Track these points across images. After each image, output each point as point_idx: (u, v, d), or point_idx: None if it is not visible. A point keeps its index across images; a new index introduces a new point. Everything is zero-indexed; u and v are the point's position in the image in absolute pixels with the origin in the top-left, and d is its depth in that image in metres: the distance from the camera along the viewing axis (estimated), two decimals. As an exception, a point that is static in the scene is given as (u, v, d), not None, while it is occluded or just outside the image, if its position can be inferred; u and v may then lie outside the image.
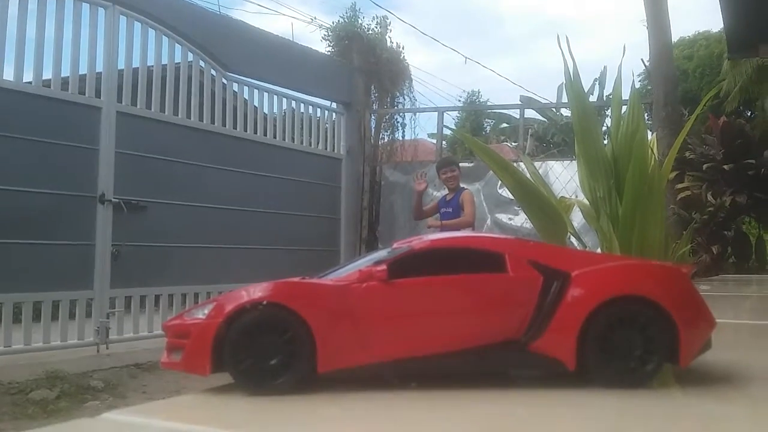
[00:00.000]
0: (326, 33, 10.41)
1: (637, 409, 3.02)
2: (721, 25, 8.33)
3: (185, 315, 3.65)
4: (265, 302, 3.31)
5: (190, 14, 7.56)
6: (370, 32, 10.41)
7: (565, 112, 19.60)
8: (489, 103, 30.69)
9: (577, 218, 6.19)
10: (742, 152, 15.81)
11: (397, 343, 3.36)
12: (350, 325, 3.34)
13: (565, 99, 5.61)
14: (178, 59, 7.22)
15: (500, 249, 3.62)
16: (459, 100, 27.32)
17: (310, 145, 9.17)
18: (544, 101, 23.52)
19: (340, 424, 2.94)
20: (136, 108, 6.67)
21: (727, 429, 2.84)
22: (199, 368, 3.37)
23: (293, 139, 8.85)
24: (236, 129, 7.91)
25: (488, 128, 29.02)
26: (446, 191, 6.63)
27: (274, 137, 8.52)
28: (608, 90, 19.30)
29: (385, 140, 10.66)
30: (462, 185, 6.62)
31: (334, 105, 9.81)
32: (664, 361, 3.34)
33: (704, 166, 16.03)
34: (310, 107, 9.29)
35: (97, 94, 6.30)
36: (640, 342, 3.29)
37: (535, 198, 5.11)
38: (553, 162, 9.28)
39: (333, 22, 10.53)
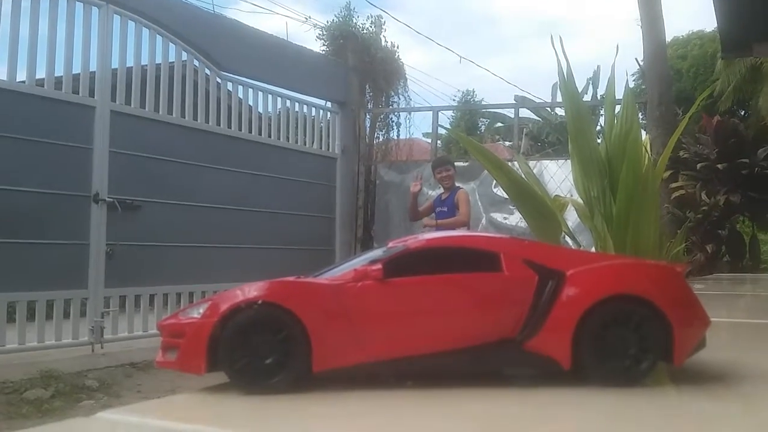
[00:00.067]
0: (321, 32, 10.42)
1: (632, 407, 3.02)
2: (715, 25, 8.35)
3: (180, 314, 3.64)
4: (260, 301, 3.31)
5: (184, 13, 7.55)
6: (365, 31, 10.42)
7: (560, 111, 19.60)
8: (484, 103, 30.79)
9: (571, 217, 6.21)
10: (736, 151, 15.86)
11: (393, 343, 3.36)
12: (345, 325, 3.34)
13: (559, 98, 5.62)
14: (172, 58, 7.22)
15: (495, 248, 3.62)
16: (454, 100, 27.39)
17: (305, 144, 9.17)
18: (538, 101, 23.63)
19: (336, 423, 2.94)
20: (130, 107, 6.66)
21: (721, 427, 2.84)
22: (194, 367, 3.36)
23: (288, 138, 8.84)
24: (231, 128, 7.91)
25: (483, 127, 29.06)
26: (441, 190, 6.64)
27: (269, 136, 8.52)
28: (602, 90, 19.32)
29: (380, 139, 10.68)
30: (457, 184, 6.63)
31: (328, 104, 9.81)
32: (659, 359, 3.34)
33: (698, 166, 16.08)
34: (305, 106, 9.29)
35: (91, 94, 6.29)
36: (634, 341, 3.29)
37: (529, 197, 5.12)
38: (548, 161, 9.31)
39: (327, 22, 10.55)
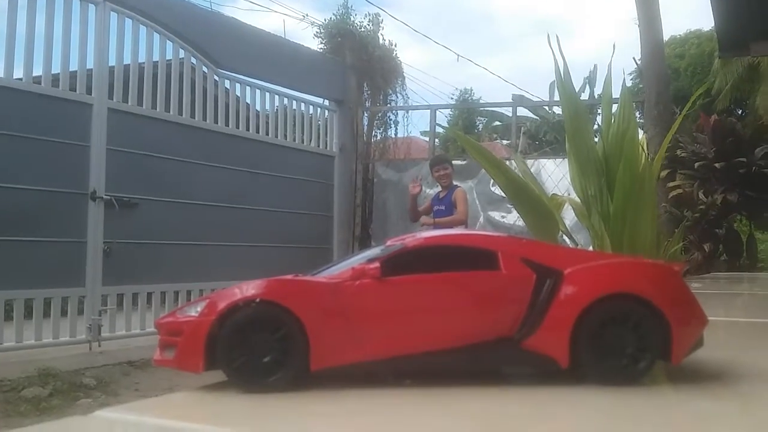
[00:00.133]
0: (318, 30, 10.43)
1: (630, 406, 3.02)
2: (713, 24, 8.36)
3: (178, 312, 3.64)
4: (258, 300, 3.31)
5: (181, 11, 7.54)
6: (363, 29, 10.42)
7: (558, 110, 19.62)
8: (481, 101, 30.78)
9: (569, 216, 6.22)
10: (734, 150, 15.86)
11: (391, 341, 3.36)
12: (343, 323, 3.34)
13: (557, 97, 5.63)
14: (169, 56, 7.21)
15: (493, 246, 3.62)
16: (451, 98, 27.36)
17: (303, 142, 9.16)
18: (536, 99, 23.62)
19: (334, 421, 2.93)
20: (127, 105, 6.65)
21: (719, 426, 2.85)
22: (191, 366, 3.36)
23: (285, 136, 8.83)
24: (228, 126, 7.89)
25: (481, 126, 29.06)
26: (439, 189, 6.64)
27: (267, 134, 8.51)
28: (599, 89, 19.33)
29: (378, 138, 10.68)
30: (455, 183, 6.63)
31: (326, 102, 9.81)
32: (657, 358, 3.34)
33: (696, 165, 16.07)
34: (303, 104, 9.29)
35: (88, 91, 6.29)
36: (632, 339, 3.29)
37: (526, 196, 5.13)
38: (546, 160, 9.31)
39: (325, 20, 10.57)
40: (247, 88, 8.31)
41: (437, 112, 11.04)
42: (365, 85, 10.41)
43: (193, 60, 7.56)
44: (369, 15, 10.70)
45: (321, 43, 10.34)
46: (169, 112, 7.13)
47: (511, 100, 18.37)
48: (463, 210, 6.26)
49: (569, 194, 6.22)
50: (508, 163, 5.90)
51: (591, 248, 5.20)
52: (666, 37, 16.72)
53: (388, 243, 3.75)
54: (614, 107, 5.32)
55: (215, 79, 7.85)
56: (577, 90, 6.08)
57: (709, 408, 3.06)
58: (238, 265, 7.29)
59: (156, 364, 3.70)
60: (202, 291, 7.01)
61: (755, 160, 15.88)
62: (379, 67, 10.45)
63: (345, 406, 3.13)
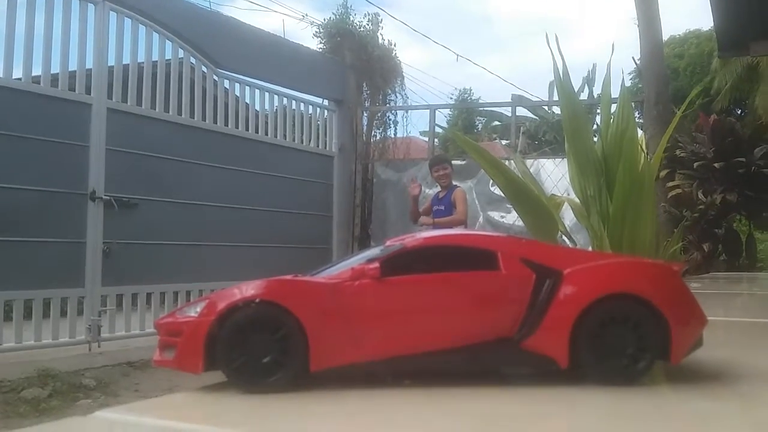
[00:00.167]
0: (318, 30, 10.42)
1: (629, 405, 3.03)
2: (712, 24, 8.36)
3: (177, 313, 3.64)
4: (257, 300, 3.31)
5: (180, 11, 7.53)
6: (362, 29, 10.41)
7: (557, 110, 19.62)
8: (481, 101, 30.79)
9: (568, 216, 6.22)
10: (733, 150, 15.88)
11: (390, 341, 3.36)
12: (343, 323, 3.34)
13: (556, 97, 5.63)
14: (168, 56, 7.20)
15: (493, 247, 3.63)
16: (451, 98, 27.37)
17: (302, 142, 9.16)
18: (535, 99, 23.63)
19: (333, 421, 2.94)
20: (126, 105, 6.64)
21: (718, 425, 2.85)
22: (191, 366, 3.36)
23: (285, 136, 8.83)
24: (228, 126, 7.88)
25: (480, 126, 29.07)
26: (439, 189, 6.64)
27: (266, 134, 8.50)
28: (598, 88, 19.37)
29: (377, 138, 10.67)
30: (454, 183, 6.62)
31: (325, 102, 9.80)
32: (656, 358, 3.35)
33: (695, 165, 16.09)
34: (302, 104, 9.28)
35: (88, 91, 6.27)
36: (632, 339, 3.30)
37: (525, 196, 5.13)
38: (545, 160, 9.31)
39: (324, 19, 10.56)
40: (247, 88, 8.30)
41: (437, 112, 11.03)
42: (364, 85, 10.41)
43: (193, 60, 7.55)
44: (368, 15, 10.71)
45: (320, 42, 10.34)
46: (168, 112, 7.13)
47: (510, 100, 18.38)
48: (462, 210, 6.26)
49: (569, 194, 6.22)
50: (507, 163, 5.89)
51: (590, 248, 5.20)
52: (665, 37, 16.74)
53: (388, 243, 3.76)
54: (613, 107, 5.32)
55: (214, 79, 7.84)
56: (576, 90, 6.08)
57: (709, 408, 3.06)
58: (237, 265, 7.29)
59: (156, 365, 3.70)
60: (201, 291, 7.00)
61: (754, 160, 15.90)
62: (379, 67, 10.45)
63: (344, 407, 3.13)
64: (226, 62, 7.90)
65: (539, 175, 8.48)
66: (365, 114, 10.41)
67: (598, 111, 6.61)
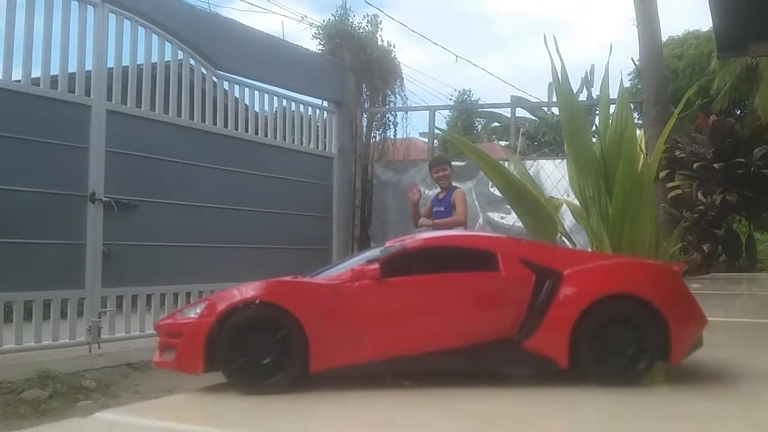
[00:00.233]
0: (317, 31, 10.42)
1: (629, 406, 3.03)
2: (711, 24, 8.36)
3: (177, 314, 3.64)
4: (257, 301, 3.31)
5: (180, 12, 7.54)
6: (361, 30, 10.42)
7: (556, 110, 19.63)
8: (480, 102, 30.81)
9: (568, 217, 6.21)
10: (732, 151, 15.89)
11: (390, 342, 3.36)
12: (343, 324, 3.34)
13: (555, 98, 5.62)
14: (168, 57, 7.21)
15: (492, 248, 3.63)
16: (450, 99, 27.38)
17: (302, 143, 9.17)
18: (534, 100, 23.65)
19: (334, 423, 2.94)
20: (126, 106, 6.65)
21: (718, 426, 2.85)
22: (191, 367, 3.36)
23: (284, 137, 8.84)
24: (227, 127, 7.89)
25: (479, 127, 29.08)
26: (438, 190, 6.64)
27: (266, 136, 8.51)
28: (596, 89, 19.35)
29: (377, 139, 10.67)
30: (454, 184, 6.63)
31: (325, 103, 9.80)
32: (656, 359, 3.35)
33: (695, 165, 16.09)
34: (302, 106, 9.29)
35: (87, 93, 6.29)
36: (631, 340, 3.30)
37: (524, 198, 5.12)
38: (545, 161, 9.31)
39: (324, 21, 10.56)
40: (246, 89, 8.31)
41: (436, 113, 11.03)
42: (364, 86, 10.41)
43: (192, 61, 7.56)
44: (367, 16, 10.71)
45: (319, 44, 10.34)
46: (167, 113, 7.13)
47: (509, 101, 18.38)
48: (462, 211, 6.27)
49: (568, 195, 6.22)
50: (506, 164, 5.89)
51: (590, 249, 5.19)
52: (664, 38, 16.77)
53: (388, 244, 3.75)
54: (612, 108, 5.32)
55: (214, 81, 7.85)
56: (575, 91, 6.08)
57: (709, 408, 3.06)
58: (237, 266, 7.30)
59: (156, 366, 3.70)
60: (201, 293, 7.01)
61: (754, 161, 15.91)
62: (378, 68, 10.45)
63: (345, 408, 3.13)
64: (225, 64, 7.91)
65: (539, 176, 8.49)
66: (365, 115, 10.42)
67: (597, 112, 6.61)
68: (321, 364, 3.29)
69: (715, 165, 15.83)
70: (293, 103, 9.11)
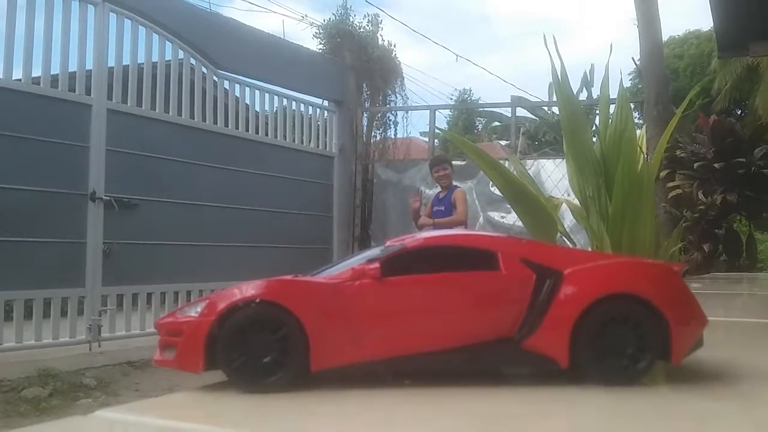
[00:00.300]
0: (317, 31, 10.44)
1: (629, 406, 3.03)
2: (712, 24, 8.36)
3: (177, 313, 3.64)
4: (257, 300, 3.31)
5: (180, 12, 7.54)
6: (362, 30, 10.42)
7: (557, 110, 19.63)
8: (480, 102, 30.81)
9: (568, 217, 6.21)
10: (733, 151, 15.89)
11: (391, 341, 3.36)
12: (343, 323, 3.34)
13: (555, 97, 5.62)
14: (168, 57, 7.21)
15: (493, 247, 3.63)
16: (451, 99, 27.38)
17: (302, 143, 9.17)
18: (535, 99, 23.63)
19: (334, 421, 2.94)
20: (126, 105, 6.65)
21: (719, 426, 2.85)
22: (191, 366, 3.36)
23: (285, 136, 8.84)
24: (227, 127, 7.89)
25: (480, 127, 29.08)
26: (439, 189, 6.64)
27: (266, 135, 8.51)
28: (596, 89, 19.33)
29: (377, 138, 10.68)
30: (454, 183, 6.63)
31: (325, 103, 9.80)
32: (656, 358, 3.35)
33: (695, 165, 16.10)
34: (302, 105, 9.29)
35: (87, 92, 6.29)
36: (632, 339, 3.30)
37: (524, 197, 5.12)
38: (545, 160, 9.31)
39: (324, 20, 10.57)
40: (247, 88, 8.31)
41: (437, 112, 11.04)
42: (364, 85, 10.41)
43: (192, 61, 7.56)
44: (368, 15, 10.74)
45: (320, 43, 10.35)
46: (168, 112, 7.13)
47: (510, 101, 18.37)
48: (462, 210, 6.27)
49: (569, 194, 6.22)
50: (506, 163, 5.89)
51: (590, 249, 5.19)
52: (665, 38, 16.76)
53: (388, 243, 3.75)
54: (612, 107, 5.32)
55: (214, 80, 7.85)
56: (575, 91, 6.08)
57: (709, 408, 3.06)
58: (237, 265, 7.30)
59: (156, 365, 3.70)
60: (201, 291, 7.01)
61: (754, 161, 15.91)
62: (378, 68, 10.45)
63: (345, 407, 3.13)
64: (226, 63, 7.91)
65: (539, 176, 8.49)
66: (365, 114, 10.42)
67: (597, 111, 6.61)
68: (321, 363, 3.29)
69: (716, 165, 15.83)
70: (294, 103, 9.11)
